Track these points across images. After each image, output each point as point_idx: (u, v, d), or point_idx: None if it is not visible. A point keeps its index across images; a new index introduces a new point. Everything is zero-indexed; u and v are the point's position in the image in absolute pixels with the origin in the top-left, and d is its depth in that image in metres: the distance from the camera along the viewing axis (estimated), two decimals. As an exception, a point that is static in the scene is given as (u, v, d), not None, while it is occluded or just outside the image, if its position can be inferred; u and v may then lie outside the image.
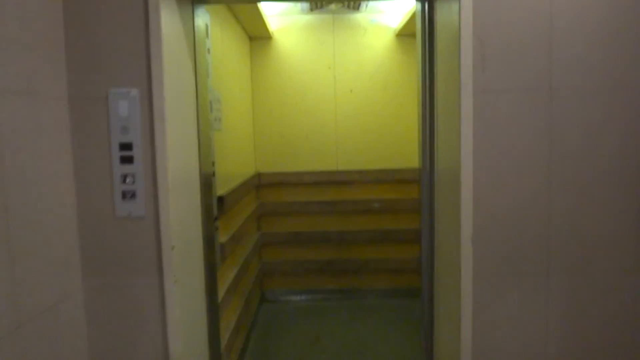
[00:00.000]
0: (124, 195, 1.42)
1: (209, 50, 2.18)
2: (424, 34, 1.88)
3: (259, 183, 3.78)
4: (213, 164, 2.13)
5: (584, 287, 1.52)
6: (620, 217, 1.50)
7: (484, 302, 1.53)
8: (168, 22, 1.46)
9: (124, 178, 1.42)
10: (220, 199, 2.33)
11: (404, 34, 3.69)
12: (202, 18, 1.86)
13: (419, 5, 1.89)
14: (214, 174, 2.06)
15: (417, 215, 3.68)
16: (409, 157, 3.80)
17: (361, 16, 3.73)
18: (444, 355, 1.77)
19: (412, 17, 3.16)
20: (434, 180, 1.85)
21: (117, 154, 1.41)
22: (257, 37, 3.70)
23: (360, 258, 3.89)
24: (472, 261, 1.52)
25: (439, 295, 1.84)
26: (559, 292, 1.52)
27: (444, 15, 1.67)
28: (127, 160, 1.41)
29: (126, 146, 1.40)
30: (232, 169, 2.85)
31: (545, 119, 1.48)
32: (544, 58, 1.47)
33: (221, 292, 2.21)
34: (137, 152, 1.41)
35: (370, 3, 3.50)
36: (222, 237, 2.39)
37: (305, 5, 3.47)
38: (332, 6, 3.58)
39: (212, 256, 1.93)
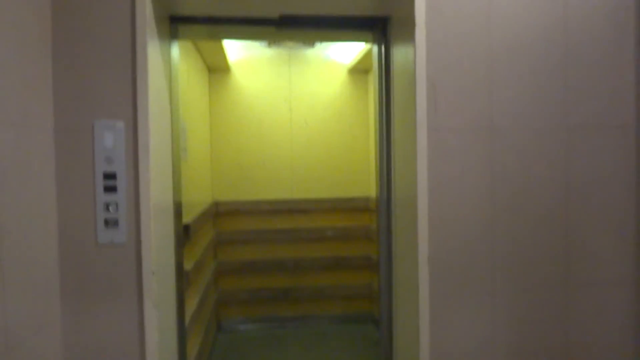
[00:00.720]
0: (107, 222, 1.48)
1: (178, 82, 2.27)
2: (381, 73, 2.07)
3: (217, 211, 3.82)
4: (181, 192, 2.20)
5: (523, 300, 1.73)
6: (551, 238, 1.73)
7: (440, 320, 1.69)
8: (152, 59, 1.56)
9: (107, 206, 1.47)
10: (186, 227, 2.39)
11: (356, 70, 3.95)
12: (176, 52, 1.97)
13: (376, 48, 2.09)
14: (181, 203, 2.13)
15: (368, 243, 3.89)
16: (361, 186, 4.00)
17: (315, 52, 3.95)
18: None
19: (364, 56, 3.41)
20: (392, 208, 2.02)
21: (101, 183, 1.47)
22: (217, 68, 3.81)
23: (314, 285, 3.99)
24: (428, 282, 1.68)
25: (397, 317, 1.98)
26: (503, 307, 1.72)
27: (399, 58, 1.86)
28: (110, 189, 1.47)
29: (110, 176, 1.47)
30: (194, 198, 2.90)
31: (488, 153, 1.70)
32: (486, 101, 1.70)
33: (187, 321, 2.24)
34: (120, 182, 1.48)
35: (325, 41, 3.73)
36: (187, 265, 2.43)
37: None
38: (289, 42, 3.78)
39: (181, 283, 1.98)
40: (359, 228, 4.00)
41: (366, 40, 2.22)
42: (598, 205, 1.75)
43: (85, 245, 1.49)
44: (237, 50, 3.83)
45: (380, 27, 2.01)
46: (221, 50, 3.25)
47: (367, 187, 3.97)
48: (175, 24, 1.91)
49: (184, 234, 2.33)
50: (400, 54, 1.85)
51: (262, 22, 1.95)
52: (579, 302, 1.75)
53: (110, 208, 1.48)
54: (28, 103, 1.35)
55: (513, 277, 1.72)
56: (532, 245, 1.73)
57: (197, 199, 3.04)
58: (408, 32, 1.71)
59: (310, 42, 3.75)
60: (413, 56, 1.67)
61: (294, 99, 3.95)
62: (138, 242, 1.50)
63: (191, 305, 2.54)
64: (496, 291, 1.72)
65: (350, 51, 3.84)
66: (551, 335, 1.75)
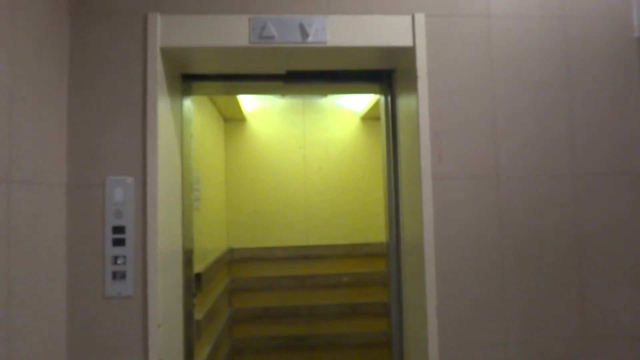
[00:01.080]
0: (114, 275, 1.51)
1: (192, 135, 2.36)
2: (388, 123, 2.12)
3: (232, 258, 3.84)
4: (192, 241, 2.23)
5: (538, 354, 1.67)
6: (564, 290, 1.69)
7: (451, 372, 1.64)
8: (163, 116, 1.64)
9: (116, 259, 1.51)
10: (198, 276, 2.40)
11: (368, 117, 4.02)
12: (188, 107, 2.06)
13: (383, 98, 2.14)
14: (192, 251, 2.16)
15: (384, 289, 3.82)
16: (376, 231, 3.98)
17: (328, 101, 4.05)
18: None
19: (376, 104, 3.48)
20: (401, 255, 2.01)
21: (110, 236, 1.51)
22: (232, 119, 3.93)
23: (330, 332, 3.91)
24: (437, 333, 1.64)
25: (409, 367, 1.93)
26: (517, 360, 1.67)
27: (404, 108, 1.91)
28: (119, 242, 1.51)
29: (119, 229, 1.51)
30: (208, 245, 2.93)
31: (494, 202, 1.69)
32: (491, 149, 1.71)
33: (196, 371, 2.22)
34: (129, 235, 1.52)
35: (337, 90, 3.82)
36: (198, 314, 2.42)
37: (278, 91, 3.76)
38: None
39: (190, 333, 1.98)
40: (374, 274, 3.95)
41: (373, 92, 2.27)
42: (611, 255, 1.71)
43: (92, 298, 1.51)
44: (253, 101, 3.96)
45: (386, 79, 2.07)
46: (236, 102, 3.37)
47: (382, 232, 3.94)
48: (188, 82, 2.01)
49: (195, 282, 2.35)
50: (405, 104, 1.89)
51: (270, 78, 2.03)
52: (595, 354, 1.68)
53: (119, 261, 1.51)
54: (42, 161, 1.42)
55: (526, 330, 1.67)
56: (544, 298, 1.68)
57: (211, 246, 3.07)
58: (411, 84, 1.76)
59: (323, 94, 3.85)
60: (416, 107, 1.71)
61: (308, 146, 4.02)
62: (145, 295, 1.52)
63: (202, 356, 2.52)
64: (509, 345, 1.66)
65: (362, 100, 3.93)
66: (569, 391, 1.68)
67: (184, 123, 1.97)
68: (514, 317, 1.67)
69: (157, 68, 1.59)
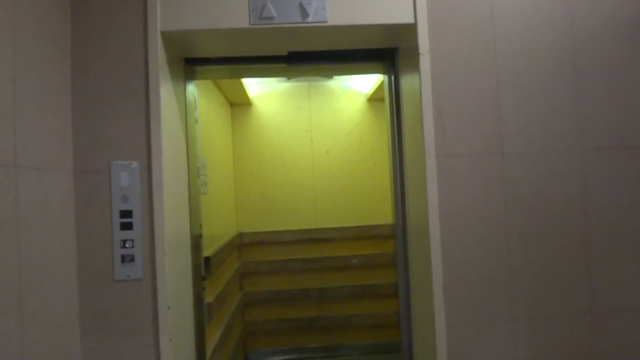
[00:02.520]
0: (123, 259, 1.54)
1: (196, 120, 2.36)
2: (392, 103, 2.10)
3: (241, 242, 3.88)
4: (200, 226, 2.25)
5: (545, 329, 1.67)
6: (571, 263, 1.68)
7: (457, 351, 1.65)
8: (166, 100, 1.65)
9: (124, 243, 1.54)
10: (207, 260, 2.43)
11: (374, 98, 3.99)
12: (192, 92, 2.06)
13: (386, 77, 2.12)
14: (201, 236, 2.19)
15: (394, 270, 3.83)
16: (384, 213, 3.98)
17: (334, 83, 4.03)
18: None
19: (381, 84, 3.45)
20: (407, 234, 2.02)
21: (117, 220, 1.54)
22: (238, 103, 3.93)
23: (341, 314, 3.95)
24: (444, 310, 1.65)
25: (416, 345, 1.95)
26: (523, 336, 1.67)
27: (407, 87, 1.89)
28: (127, 226, 1.54)
29: (126, 213, 1.54)
30: (217, 230, 2.96)
31: (500, 178, 1.68)
32: (495, 125, 1.69)
33: (208, 353, 2.26)
34: (136, 219, 1.54)
35: (343, 72, 3.80)
36: (209, 297, 2.46)
37: (283, 75, 3.75)
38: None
39: (201, 315, 2.02)
40: (384, 255, 3.97)
41: (377, 72, 2.25)
42: (618, 229, 1.70)
43: (102, 281, 1.55)
44: (258, 86, 3.95)
45: (389, 58, 2.05)
46: (241, 86, 3.37)
47: (390, 214, 3.95)
48: (192, 66, 2.01)
49: (205, 266, 2.38)
50: (407, 83, 1.88)
51: (273, 60, 2.02)
52: (604, 329, 1.68)
53: (127, 244, 1.54)
54: (48, 147, 1.44)
55: (533, 304, 1.67)
56: (551, 273, 1.68)
57: (221, 231, 3.10)
58: (414, 62, 1.74)
59: (326, 75, 3.83)
60: (419, 84, 1.70)
61: (314, 129, 4.01)
62: (154, 277, 1.55)
63: (214, 337, 2.57)
64: (516, 320, 1.67)
65: (368, 81, 3.90)
66: (576, 365, 1.68)
67: (189, 108, 1.98)
68: (521, 292, 1.67)
69: (158, 52, 1.59)
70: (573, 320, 1.68)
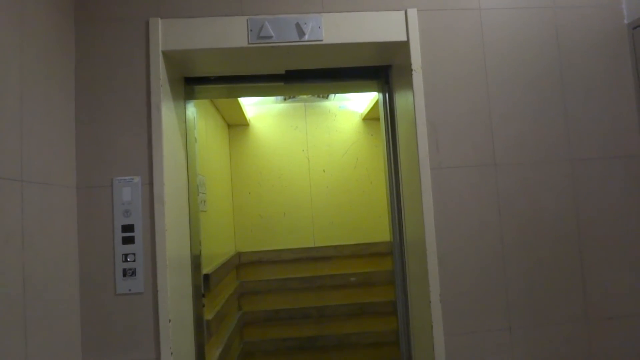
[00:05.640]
0: (125, 273, 1.56)
1: (196, 138, 2.41)
2: (387, 119, 2.15)
3: (239, 262, 3.88)
4: (200, 243, 2.27)
5: (541, 337, 1.69)
6: (565, 272, 1.71)
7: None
8: (167, 117, 1.69)
9: (125, 257, 1.56)
10: (206, 277, 2.44)
11: (370, 117, 4.06)
12: (191, 111, 2.11)
13: (381, 95, 2.18)
14: (200, 253, 2.21)
15: (393, 287, 3.83)
16: (382, 230, 4.01)
17: (330, 103, 4.10)
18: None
19: (376, 104, 3.52)
20: (404, 249, 2.04)
21: (119, 235, 1.56)
22: (236, 124, 3.99)
23: (340, 333, 3.93)
24: (442, 322, 1.67)
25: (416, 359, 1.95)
26: (520, 344, 1.68)
27: (401, 103, 1.95)
28: (128, 240, 1.56)
29: (128, 227, 1.56)
30: (216, 249, 2.98)
31: (493, 189, 1.73)
32: (487, 138, 1.74)
33: (208, 370, 2.25)
34: (137, 233, 1.57)
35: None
36: (208, 315, 2.46)
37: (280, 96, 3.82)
38: (304, 95, 3.95)
39: (201, 333, 2.02)
40: (382, 273, 3.97)
41: (371, 89, 2.31)
42: (610, 237, 1.74)
43: (104, 295, 1.56)
44: (255, 107, 4.02)
45: (383, 76, 2.11)
46: (239, 107, 3.43)
47: (388, 231, 3.97)
48: (191, 85, 2.07)
49: (204, 283, 2.39)
50: (401, 98, 1.93)
51: (270, 79, 2.08)
52: (599, 336, 1.70)
53: (129, 258, 1.56)
54: (53, 162, 1.47)
55: (529, 313, 1.70)
56: (546, 282, 1.71)
57: (219, 250, 3.11)
58: (407, 78, 1.80)
59: (324, 95, 3.90)
60: (412, 100, 1.75)
61: (311, 149, 4.07)
62: (155, 291, 1.56)
63: (213, 356, 2.55)
64: (512, 328, 1.69)
65: (363, 100, 3.97)
66: (574, 373, 1.70)
67: (188, 126, 2.02)
68: (516, 301, 1.69)
69: (159, 71, 1.65)
70: (568, 327, 1.70)
